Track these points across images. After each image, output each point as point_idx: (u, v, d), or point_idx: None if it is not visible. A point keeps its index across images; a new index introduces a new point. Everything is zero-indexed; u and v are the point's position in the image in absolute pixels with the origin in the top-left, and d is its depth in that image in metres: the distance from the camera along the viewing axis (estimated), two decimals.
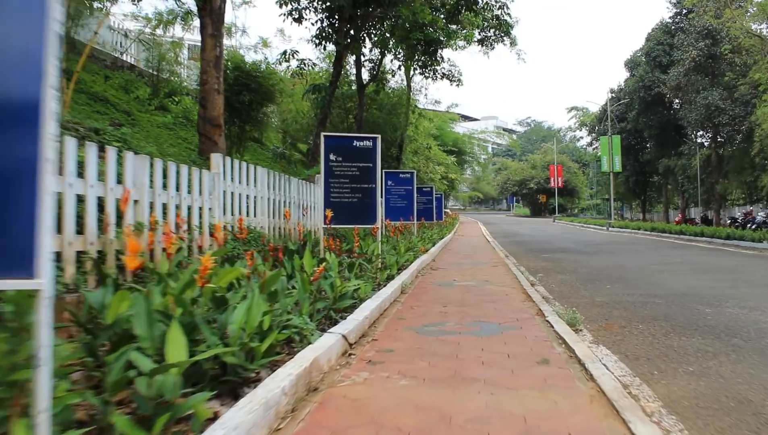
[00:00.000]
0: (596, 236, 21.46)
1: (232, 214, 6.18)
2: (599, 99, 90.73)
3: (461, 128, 50.75)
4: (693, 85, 29.04)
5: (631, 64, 40.80)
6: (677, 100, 34.76)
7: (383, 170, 12.88)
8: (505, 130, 78.17)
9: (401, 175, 12.62)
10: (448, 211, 42.19)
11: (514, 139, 78.32)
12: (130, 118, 11.55)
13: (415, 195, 12.77)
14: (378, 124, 21.14)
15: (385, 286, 5.65)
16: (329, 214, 6.53)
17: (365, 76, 18.92)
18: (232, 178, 6.19)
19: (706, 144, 31.69)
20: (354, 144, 7.22)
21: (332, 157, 7.15)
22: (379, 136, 7.29)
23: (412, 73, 20.87)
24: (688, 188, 32.69)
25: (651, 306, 5.53)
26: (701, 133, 32.02)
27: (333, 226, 7.30)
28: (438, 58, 16.52)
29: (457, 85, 17.13)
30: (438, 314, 4.80)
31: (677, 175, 33.99)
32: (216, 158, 5.86)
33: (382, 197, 12.90)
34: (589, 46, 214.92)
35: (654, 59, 35.65)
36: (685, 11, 34.85)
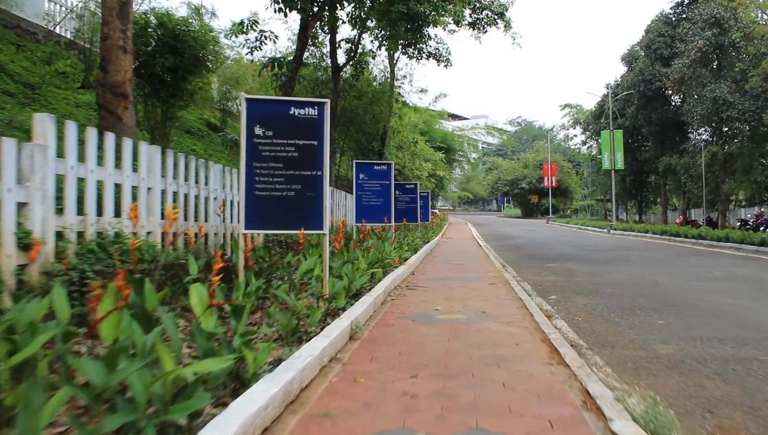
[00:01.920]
0: (599, 240, 19.34)
1: (83, 214, 3.89)
2: (592, 97, 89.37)
3: (450, 125, 48.64)
4: (698, 78, 27.12)
5: (629, 59, 38.95)
6: (678, 96, 32.94)
7: (354, 161, 10.64)
8: (495, 129, 76.08)
9: (376, 168, 10.34)
10: (436, 211, 40.07)
11: (505, 139, 76.28)
12: (32, 91, 9.21)
13: (394, 191, 10.50)
14: (357, 113, 18.88)
15: (315, 335, 3.39)
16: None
17: (341, 58, 16.66)
18: (81, 158, 3.90)
19: (709, 141, 29.77)
20: (291, 112, 4.95)
21: (258, 130, 4.88)
22: (327, 101, 5.02)
23: (396, 56, 18.62)
24: (691, 188, 30.75)
25: (763, 369, 3.33)
26: (703, 129, 30.17)
27: (256, 230, 5.05)
28: (424, 36, 14.28)
29: (446, 65, 14.90)
30: (399, 402, 2.55)
31: (679, 175, 32.07)
32: (41, 121, 3.55)
33: (343, 193, 10.63)
34: (580, 44, 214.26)
35: (654, 51, 33.76)
36: (687, 1, 33.04)
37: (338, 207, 11.57)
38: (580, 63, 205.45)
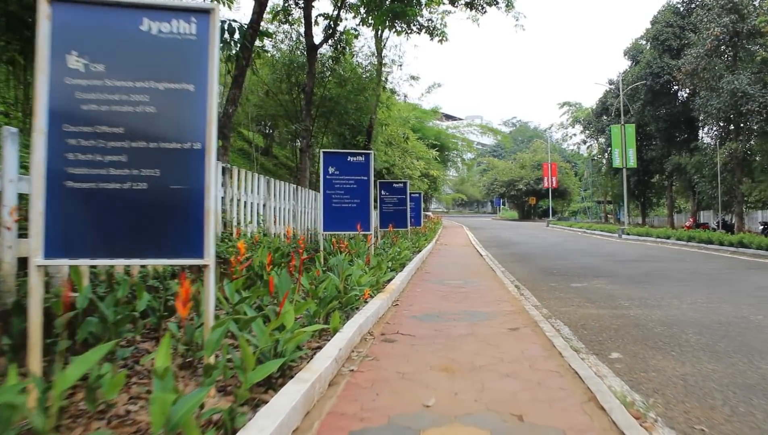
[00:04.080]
0: (615, 247, 17.02)
1: None
2: (593, 95, 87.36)
3: (444, 125, 46.34)
4: (712, 69, 24.95)
5: (633, 53, 36.86)
6: (688, 90, 30.79)
7: (320, 151, 8.26)
8: (490, 128, 73.77)
9: (350, 159, 7.94)
10: (429, 214, 37.75)
11: (499, 139, 74.00)
12: None
13: (378, 191, 8.13)
14: (338, 102, 16.49)
15: None
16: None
17: (320, 37, 14.31)
18: None
19: (723, 137, 27.57)
20: (143, 27, 2.56)
21: (75, 63, 2.48)
22: (215, 7, 2.65)
23: (385, 35, 16.23)
24: (704, 189, 28.54)
25: None
26: (716, 126, 28.00)
27: (67, 260, 2.67)
28: (414, 6, 11.93)
29: (440, 40, 12.56)
30: None
31: (689, 174, 29.88)
32: None
33: (315, 193, 8.22)
34: (576, 43, 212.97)
35: (662, 43, 31.64)
36: None
37: (305, 212, 9.17)
38: (575, 62, 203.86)
